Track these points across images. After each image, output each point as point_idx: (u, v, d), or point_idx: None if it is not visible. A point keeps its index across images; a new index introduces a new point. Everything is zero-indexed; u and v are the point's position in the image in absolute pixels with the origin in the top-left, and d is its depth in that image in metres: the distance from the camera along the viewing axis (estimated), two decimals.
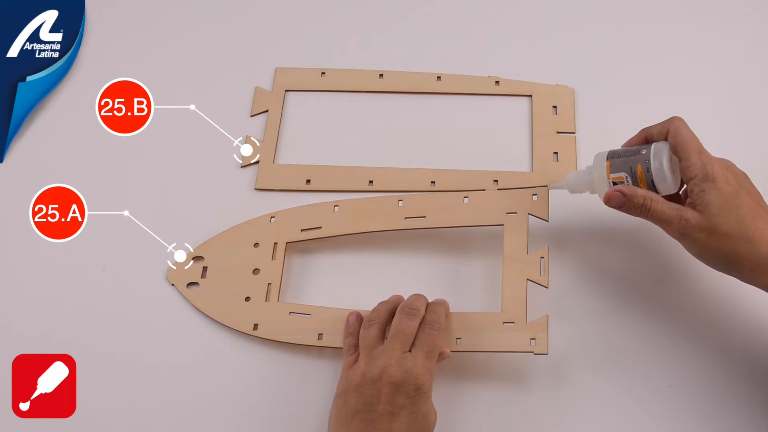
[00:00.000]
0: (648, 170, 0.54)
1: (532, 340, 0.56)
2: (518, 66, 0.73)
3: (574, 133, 0.69)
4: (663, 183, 0.54)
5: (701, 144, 0.53)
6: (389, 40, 0.76)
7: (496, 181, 0.67)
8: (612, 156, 0.57)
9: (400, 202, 0.64)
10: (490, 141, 0.69)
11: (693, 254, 0.54)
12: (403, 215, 0.63)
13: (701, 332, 0.58)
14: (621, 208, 0.54)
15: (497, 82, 0.72)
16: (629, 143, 0.58)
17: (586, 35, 0.75)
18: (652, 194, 0.54)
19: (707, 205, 0.51)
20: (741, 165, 0.66)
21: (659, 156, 0.54)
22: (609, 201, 0.55)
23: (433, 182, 0.67)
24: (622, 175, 0.55)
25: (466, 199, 0.63)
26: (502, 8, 0.78)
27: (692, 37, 0.74)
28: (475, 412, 0.56)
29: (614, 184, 0.56)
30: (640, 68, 0.72)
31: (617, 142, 0.64)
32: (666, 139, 0.55)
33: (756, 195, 0.53)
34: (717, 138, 0.68)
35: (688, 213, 0.51)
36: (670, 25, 0.75)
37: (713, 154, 0.53)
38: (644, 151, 0.55)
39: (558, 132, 0.69)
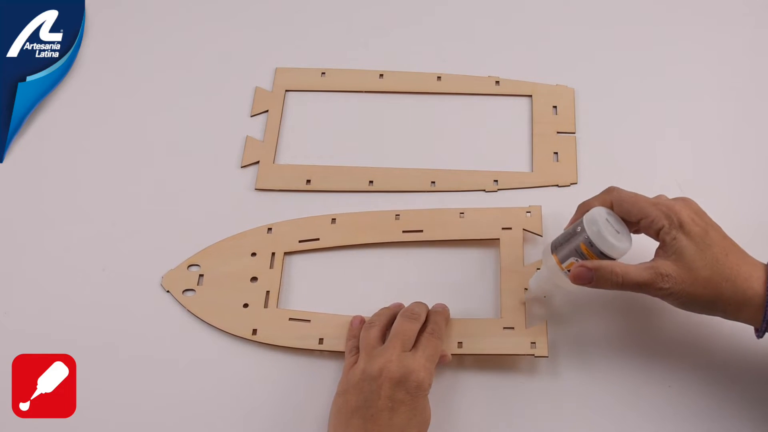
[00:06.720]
0: (591, 244, 0.51)
1: (532, 344, 0.57)
2: (518, 66, 0.73)
3: (574, 133, 0.69)
4: (610, 249, 0.51)
5: (647, 196, 0.51)
6: (389, 40, 0.76)
7: (496, 181, 0.67)
8: (555, 246, 0.54)
9: (398, 217, 0.64)
10: (490, 141, 0.69)
11: (676, 305, 0.51)
12: (400, 229, 0.64)
13: (702, 333, 0.58)
14: (590, 284, 0.51)
15: (497, 82, 0.72)
16: (570, 222, 0.55)
17: (586, 36, 0.75)
18: (617, 263, 0.50)
19: (681, 253, 0.48)
20: (740, 166, 0.66)
21: (593, 224, 0.51)
22: (576, 279, 0.51)
23: (433, 182, 0.67)
24: (573, 260, 0.52)
25: (462, 215, 0.64)
26: (502, 8, 0.78)
27: (692, 37, 0.74)
28: (473, 413, 0.56)
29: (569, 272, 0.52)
30: (640, 68, 0.72)
31: (617, 142, 0.64)
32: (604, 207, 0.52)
33: (718, 227, 0.51)
34: (716, 138, 0.68)
35: (663, 267, 0.49)
36: (670, 26, 0.75)
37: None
38: (579, 228, 0.52)
39: (558, 132, 0.69)
